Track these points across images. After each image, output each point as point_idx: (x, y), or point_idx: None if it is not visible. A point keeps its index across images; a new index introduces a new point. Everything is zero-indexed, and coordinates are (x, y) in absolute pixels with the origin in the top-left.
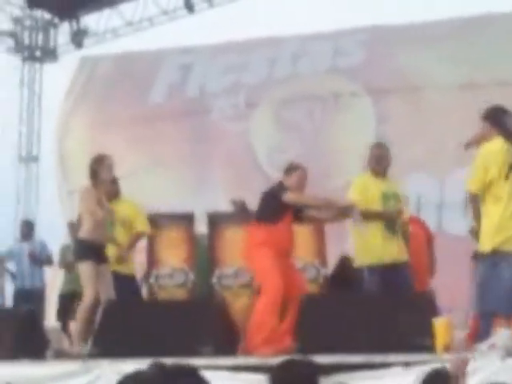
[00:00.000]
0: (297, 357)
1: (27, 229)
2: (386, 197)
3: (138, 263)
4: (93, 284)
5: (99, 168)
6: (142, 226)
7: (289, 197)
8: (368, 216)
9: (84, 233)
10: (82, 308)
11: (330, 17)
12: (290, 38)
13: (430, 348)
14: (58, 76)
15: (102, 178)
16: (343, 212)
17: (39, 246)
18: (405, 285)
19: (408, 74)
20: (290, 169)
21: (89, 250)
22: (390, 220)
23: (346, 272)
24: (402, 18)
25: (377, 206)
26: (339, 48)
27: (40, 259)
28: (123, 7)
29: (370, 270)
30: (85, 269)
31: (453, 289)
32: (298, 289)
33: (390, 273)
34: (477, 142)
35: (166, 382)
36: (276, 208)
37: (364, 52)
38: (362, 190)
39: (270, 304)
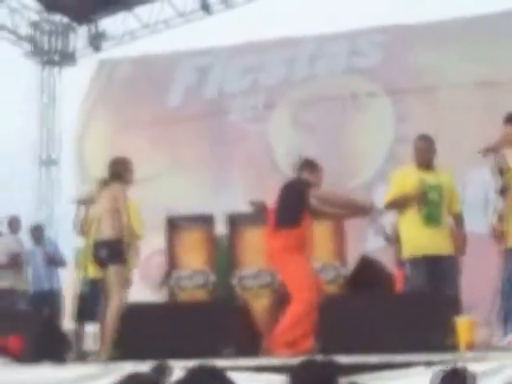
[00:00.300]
0: (317, 357)
1: (38, 233)
2: (428, 188)
3: (156, 265)
4: (122, 287)
5: (124, 170)
6: (138, 228)
7: (317, 193)
8: (397, 204)
9: (116, 233)
10: (114, 312)
11: (347, 17)
12: (307, 38)
13: (452, 347)
14: (76, 79)
15: (127, 179)
16: (363, 211)
17: (52, 248)
18: (448, 278)
19: (425, 73)
20: (312, 166)
21: (120, 251)
22: (422, 203)
23: (366, 272)
24: (419, 18)
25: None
26: (356, 48)
27: (55, 260)
28: (139, 10)
29: (413, 263)
30: (117, 272)
31: (474, 287)
32: (319, 291)
33: (433, 265)
34: (499, 146)
35: (192, 382)
36: (299, 207)
37: (381, 52)
38: (401, 182)
39: (303, 314)
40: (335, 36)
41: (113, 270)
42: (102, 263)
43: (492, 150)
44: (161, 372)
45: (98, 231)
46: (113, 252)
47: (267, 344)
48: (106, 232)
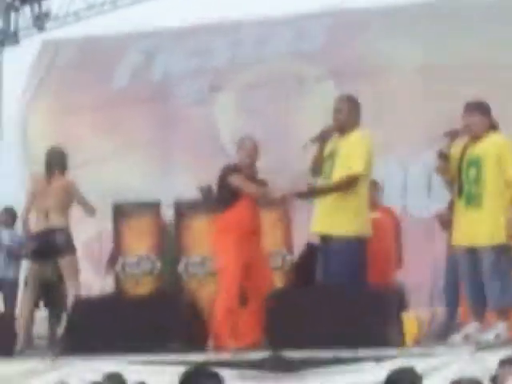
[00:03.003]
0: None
1: (8, 216)
2: (326, 157)
3: (99, 247)
4: (77, 277)
5: (65, 160)
6: None
7: (232, 179)
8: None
9: (67, 223)
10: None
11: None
12: (253, 21)
13: (399, 342)
14: (19, 60)
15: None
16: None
17: (17, 240)
18: (338, 264)
19: (371, 57)
20: (237, 145)
21: (73, 241)
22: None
23: (311, 259)
24: (366, 2)
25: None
26: (302, 32)
27: (18, 254)
28: None
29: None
30: (75, 262)
31: (417, 268)
32: (262, 278)
33: (324, 248)
34: (459, 133)
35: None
36: (227, 190)
37: (327, 36)
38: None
39: (229, 293)
40: (282, 19)
41: (69, 259)
42: (54, 250)
43: (452, 134)
44: None
45: (45, 222)
46: (69, 242)
47: (213, 336)
48: (59, 222)
